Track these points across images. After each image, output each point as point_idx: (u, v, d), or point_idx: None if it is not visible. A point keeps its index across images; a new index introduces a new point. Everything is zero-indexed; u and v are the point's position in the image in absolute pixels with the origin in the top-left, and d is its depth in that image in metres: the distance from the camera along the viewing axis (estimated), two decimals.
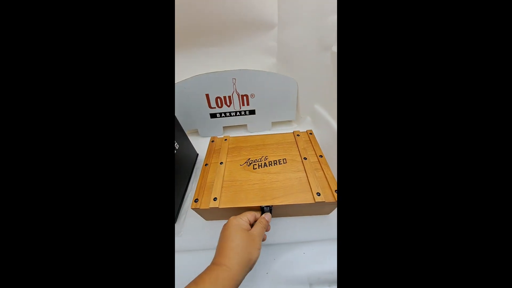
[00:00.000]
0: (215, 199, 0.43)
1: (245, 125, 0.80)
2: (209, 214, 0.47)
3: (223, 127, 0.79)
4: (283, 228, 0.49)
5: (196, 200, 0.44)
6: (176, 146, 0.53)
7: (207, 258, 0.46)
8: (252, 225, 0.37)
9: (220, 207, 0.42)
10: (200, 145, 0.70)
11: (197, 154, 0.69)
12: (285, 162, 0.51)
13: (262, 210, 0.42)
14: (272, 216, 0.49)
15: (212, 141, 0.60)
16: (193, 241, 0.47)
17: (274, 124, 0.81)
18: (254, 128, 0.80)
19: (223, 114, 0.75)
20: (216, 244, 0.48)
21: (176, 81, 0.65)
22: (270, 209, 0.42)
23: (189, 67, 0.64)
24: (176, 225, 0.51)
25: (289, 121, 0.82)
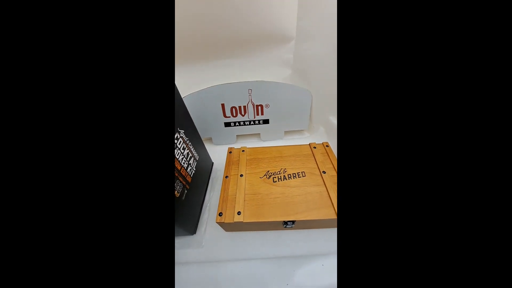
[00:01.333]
0: (239, 213, 0.44)
1: (258, 134, 0.81)
2: (231, 226, 0.48)
3: (237, 135, 0.80)
4: (302, 241, 0.50)
5: (220, 214, 0.45)
6: (197, 157, 0.54)
7: (231, 268, 0.47)
8: None
9: (244, 221, 0.43)
10: (215, 153, 0.72)
11: (212, 163, 0.70)
12: (304, 175, 0.52)
13: (285, 224, 0.43)
14: (292, 229, 0.50)
15: (230, 152, 0.61)
16: (216, 252, 0.48)
17: (287, 133, 0.82)
18: (267, 136, 0.81)
19: (237, 123, 0.76)
20: (237, 255, 0.49)
21: (193, 91, 0.66)
22: (293, 223, 0.43)
23: (208, 77, 0.65)
24: (197, 236, 0.52)
25: (301, 130, 0.83)
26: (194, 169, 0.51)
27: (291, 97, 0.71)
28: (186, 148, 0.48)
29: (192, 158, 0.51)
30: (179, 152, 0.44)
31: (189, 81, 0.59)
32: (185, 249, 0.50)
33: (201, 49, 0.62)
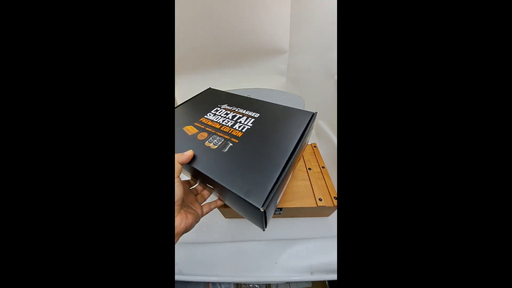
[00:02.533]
0: None
1: None
2: (229, 213, 0.57)
3: None
4: (290, 227, 0.58)
5: None
6: (255, 115, 0.45)
7: (228, 248, 0.56)
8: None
9: None
10: None
11: (314, 113, 0.46)
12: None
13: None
14: (281, 216, 0.59)
15: None
16: (215, 235, 0.57)
17: None
18: None
19: None
20: (234, 238, 0.58)
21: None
22: (281, 210, 0.51)
23: (212, 85, 0.74)
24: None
25: None
26: (250, 125, 0.42)
27: (285, 103, 0.79)
28: (231, 112, 0.46)
29: (244, 118, 0.44)
30: (219, 117, 0.44)
31: (194, 89, 0.67)
32: (190, 232, 0.58)
33: (205, 61, 0.70)
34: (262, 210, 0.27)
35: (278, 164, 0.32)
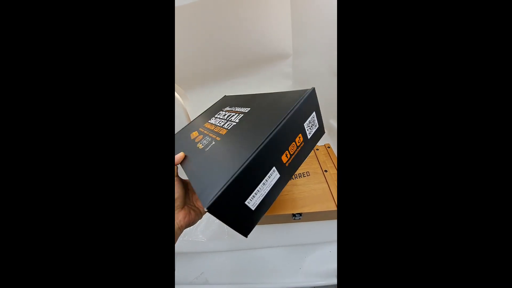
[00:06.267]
0: None
1: None
2: None
3: None
4: (311, 231, 0.58)
5: None
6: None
7: (252, 255, 0.56)
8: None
9: None
10: None
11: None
12: (308, 174, 0.60)
13: (293, 216, 0.52)
14: (302, 221, 0.58)
15: None
16: (238, 243, 0.58)
17: None
18: None
19: None
20: (256, 244, 0.58)
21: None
22: (300, 215, 0.51)
23: (221, 96, 0.76)
24: (222, 228, 0.62)
25: None
26: (236, 121, 0.40)
27: None
28: (228, 113, 0.46)
29: (235, 115, 0.43)
30: (218, 120, 0.45)
31: (204, 102, 0.69)
32: (214, 241, 0.60)
33: (213, 75, 0.72)
34: (206, 211, 0.24)
35: (241, 159, 0.27)
